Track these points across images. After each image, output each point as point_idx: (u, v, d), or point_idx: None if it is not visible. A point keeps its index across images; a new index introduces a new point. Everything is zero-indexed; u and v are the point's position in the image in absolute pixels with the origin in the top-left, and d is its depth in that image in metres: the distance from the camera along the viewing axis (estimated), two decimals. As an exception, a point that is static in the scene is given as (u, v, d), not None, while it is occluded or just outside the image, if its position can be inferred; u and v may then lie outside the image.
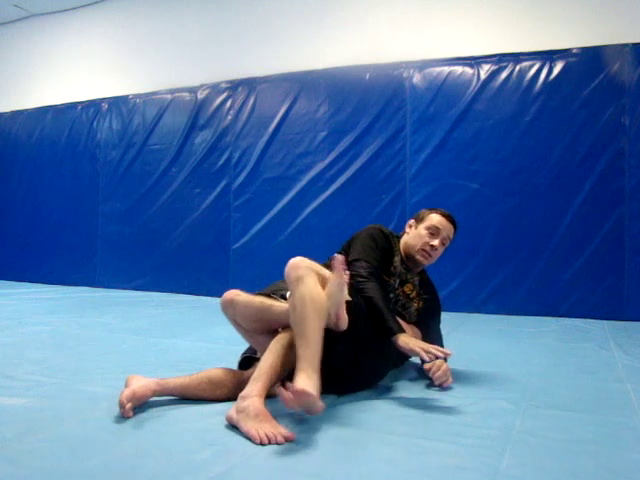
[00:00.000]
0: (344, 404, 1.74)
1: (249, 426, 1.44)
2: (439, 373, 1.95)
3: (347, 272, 1.75)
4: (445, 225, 2.19)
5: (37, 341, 2.79)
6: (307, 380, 1.47)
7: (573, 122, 3.95)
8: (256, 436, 1.41)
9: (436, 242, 2.17)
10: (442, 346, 2.21)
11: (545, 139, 4.02)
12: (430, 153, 4.30)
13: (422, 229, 2.20)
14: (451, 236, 2.23)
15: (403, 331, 1.94)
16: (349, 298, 1.85)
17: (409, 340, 1.89)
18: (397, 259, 2.21)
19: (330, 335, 1.66)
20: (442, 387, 1.95)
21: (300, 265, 1.69)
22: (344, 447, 1.41)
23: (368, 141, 4.51)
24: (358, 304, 1.91)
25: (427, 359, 1.83)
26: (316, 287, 1.66)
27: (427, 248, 2.17)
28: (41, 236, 5.99)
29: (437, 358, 1.86)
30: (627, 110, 3.83)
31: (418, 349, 1.83)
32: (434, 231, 2.18)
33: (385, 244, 2.18)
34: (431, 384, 1.99)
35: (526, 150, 4.06)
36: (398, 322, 1.98)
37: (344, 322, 1.74)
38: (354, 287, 1.96)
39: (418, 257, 2.19)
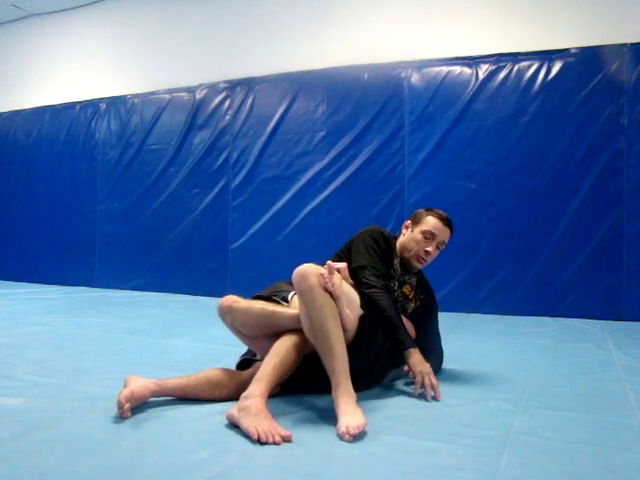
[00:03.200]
0: (343, 404, 1.74)
1: (248, 423, 1.45)
2: (429, 387, 1.89)
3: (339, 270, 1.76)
4: (441, 229, 2.16)
5: (35, 341, 2.78)
6: (349, 401, 1.55)
7: (571, 122, 3.95)
8: (254, 433, 1.42)
9: (430, 248, 2.15)
10: (441, 349, 2.23)
11: (543, 139, 4.02)
12: (428, 153, 4.30)
13: (417, 233, 2.16)
14: (446, 240, 2.19)
15: (415, 345, 1.96)
16: (362, 311, 1.86)
17: (418, 362, 1.91)
18: (396, 261, 2.19)
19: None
20: (433, 399, 1.87)
21: (309, 273, 1.66)
22: (343, 447, 1.41)
23: (366, 141, 4.51)
24: (370, 316, 1.91)
25: (416, 393, 1.87)
26: (328, 296, 1.66)
27: (422, 254, 2.16)
28: (39, 236, 5.98)
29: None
30: (625, 110, 3.84)
31: (420, 378, 1.86)
32: (429, 236, 2.14)
33: (386, 246, 2.15)
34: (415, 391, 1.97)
35: (524, 150, 4.06)
36: (410, 336, 2.00)
37: (349, 323, 1.74)
38: (366, 296, 1.96)
39: (413, 262, 2.18)
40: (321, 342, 1.63)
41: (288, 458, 1.33)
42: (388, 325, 1.96)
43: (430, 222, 2.16)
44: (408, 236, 2.21)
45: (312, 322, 1.64)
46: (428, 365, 1.91)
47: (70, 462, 1.29)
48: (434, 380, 1.87)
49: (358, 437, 1.45)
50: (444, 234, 2.17)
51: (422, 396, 1.87)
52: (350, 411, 1.52)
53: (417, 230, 2.17)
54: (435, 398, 1.84)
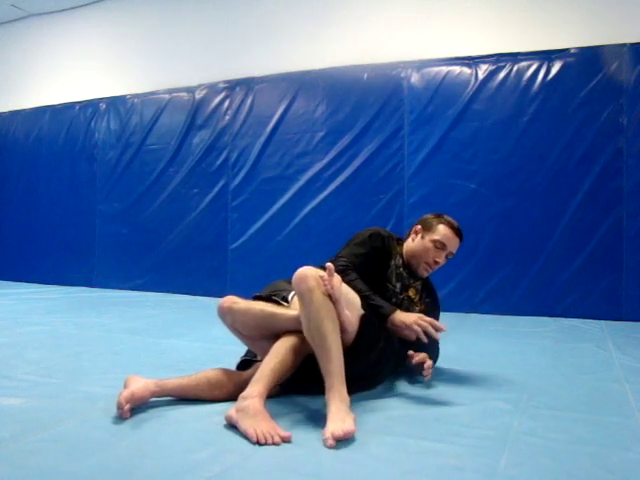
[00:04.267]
0: (342, 404, 1.74)
1: (247, 425, 1.45)
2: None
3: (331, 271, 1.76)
4: (452, 239, 2.16)
5: (35, 341, 2.78)
6: (341, 406, 1.52)
7: (571, 122, 3.95)
8: (253, 434, 1.41)
9: (440, 259, 2.16)
10: (437, 350, 2.21)
11: (543, 139, 4.02)
12: (428, 153, 4.29)
13: (428, 241, 2.15)
14: (455, 251, 2.20)
15: (394, 309, 1.95)
16: (362, 311, 1.86)
17: (404, 317, 1.90)
18: (396, 262, 2.18)
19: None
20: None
21: (309, 275, 1.66)
22: (343, 447, 1.41)
23: (366, 141, 4.51)
24: (371, 318, 1.90)
25: (425, 340, 1.86)
26: (327, 298, 1.66)
27: (431, 263, 2.16)
28: (39, 236, 5.98)
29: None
30: (625, 110, 3.84)
31: (416, 327, 1.85)
32: (440, 246, 2.14)
33: (379, 245, 2.14)
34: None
35: (524, 150, 4.06)
36: (383, 301, 1.98)
37: (349, 325, 1.74)
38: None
39: (420, 270, 2.18)
40: (317, 344, 1.63)
41: (288, 458, 1.33)
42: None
43: (442, 231, 2.15)
44: (418, 242, 2.19)
45: (309, 324, 1.64)
46: (413, 313, 1.94)
47: (70, 462, 1.29)
48: (427, 319, 1.89)
49: (345, 442, 1.42)
50: (454, 244, 2.17)
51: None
52: (340, 417, 1.49)
53: (428, 238, 2.16)
54: (438, 330, 1.87)
